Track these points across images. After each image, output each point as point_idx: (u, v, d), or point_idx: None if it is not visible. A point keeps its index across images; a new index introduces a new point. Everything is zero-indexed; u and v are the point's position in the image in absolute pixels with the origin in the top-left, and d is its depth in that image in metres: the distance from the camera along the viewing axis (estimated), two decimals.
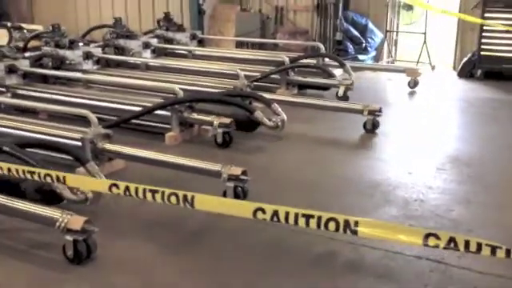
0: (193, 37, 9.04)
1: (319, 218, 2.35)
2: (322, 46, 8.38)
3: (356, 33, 10.38)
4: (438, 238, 2.23)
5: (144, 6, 11.60)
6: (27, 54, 7.03)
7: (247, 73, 6.82)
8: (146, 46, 8.11)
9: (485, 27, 8.66)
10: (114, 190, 2.74)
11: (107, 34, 8.35)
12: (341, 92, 7.00)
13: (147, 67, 7.76)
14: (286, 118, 5.32)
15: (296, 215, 2.38)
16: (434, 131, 6.03)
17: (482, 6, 8.69)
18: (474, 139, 5.80)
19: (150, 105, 5.35)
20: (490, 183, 4.47)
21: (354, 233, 2.35)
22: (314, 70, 7.60)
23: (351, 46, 10.28)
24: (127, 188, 2.70)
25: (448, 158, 5.06)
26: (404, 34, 11.60)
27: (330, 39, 10.46)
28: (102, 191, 3.04)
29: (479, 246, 2.19)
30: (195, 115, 5.33)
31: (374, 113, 5.74)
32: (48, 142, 4.33)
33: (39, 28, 9.45)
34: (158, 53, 8.41)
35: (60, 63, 7.07)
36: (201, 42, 9.34)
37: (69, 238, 3.03)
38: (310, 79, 7.40)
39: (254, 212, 2.47)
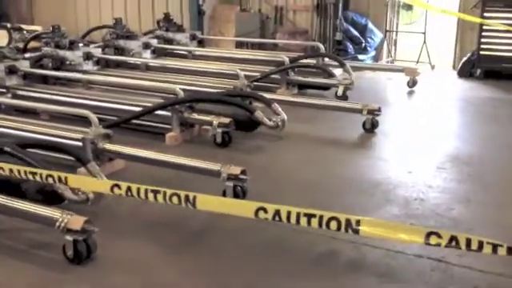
0: (193, 37, 9.04)
1: (321, 218, 2.36)
2: (321, 46, 8.39)
3: (356, 33, 10.40)
4: (439, 236, 2.24)
5: (144, 6, 11.61)
6: (27, 55, 7.03)
7: (247, 73, 6.82)
8: (146, 46, 8.11)
9: (484, 27, 8.67)
10: (116, 190, 2.74)
11: (107, 35, 8.35)
12: (340, 92, 7.01)
13: (147, 67, 7.76)
14: (286, 117, 5.33)
15: (298, 214, 2.39)
16: (433, 130, 6.03)
17: (481, 5, 8.70)
18: (474, 138, 5.80)
19: (150, 105, 5.36)
20: (489, 182, 4.48)
21: (356, 232, 2.35)
22: (314, 69, 7.61)
23: (351, 46, 10.30)
24: (129, 188, 2.70)
25: (448, 157, 5.07)
26: (404, 33, 11.62)
27: (330, 39, 10.47)
28: (104, 192, 3.03)
29: (480, 244, 2.19)
30: (195, 115, 5.34)
31: (373, 112, 5.76)
32: (49, 142, 4.33)
33: (39, 29, 9.46)
34: (157, 53, 8.40)
35: (60, 64, 7.07)
36: (201, 43, 9.34)
37: (69, 237, 3.04)
38: (310, 79, 7.41)
39: (256, 212, 2.47)
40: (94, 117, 4.42)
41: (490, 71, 8.82)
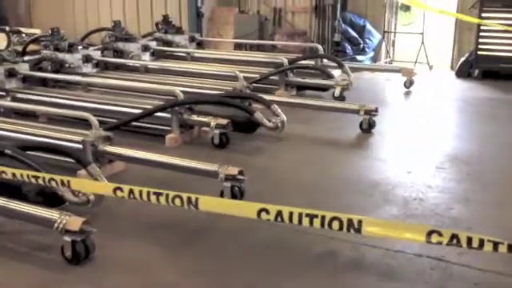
0: (191, 39, 9.05)
1: (323, 218, 2.36)
2: (320, 47, 8.41)
3: (354, 34, 10.43)
4: (440, 234, 2.25)
5: (142, 9, 11.62)
6: (27, 58, 7.04)
7: (246, 74, 6.84)
8: (145, 48, 8.12)
9: (482, 27, 8.70)
10: (119, 193, 2.74)
11: (106, 37, 8.37)
12: (337, 92, 7.03)
13: (146, 70, 7.77)
14: (285, 118, 5.35)
15: (300, 215, 2.39)
16: (432, 130, 6.05)
17: (479, 5, 8.73)
18: (473, 138, 5.82)
19: (149, 107, 5.37)
20: (488, 181, 4.50)
21: (358, 231, 2.36)
22: (312, 71, 7.62)
23: (349, 47, 10.32)
24: (131, 191, 2.70)
25: (447, 156, 5.08)
26: (402, 34, 11.64)
27: (329, 40, 10.50)
28: (106, 194, 3.04)
29: (481, 242, 2.20)
30: (194, 117, 5.36)
31: (370, 112, 5.79)
32: (49, 144, 4.34)
33: (37, 32, 9.47)
34: (156, 55, 8.41)
35: (59, 66, 7.08)
36: (200, 45, 9.35)
37: (67, 238, 3.04)
38: (308, 80, 7.42)
39: (258, 213, 2.48)
40: (94, 119, 4.43)
41: (487, 71, 8.85)
